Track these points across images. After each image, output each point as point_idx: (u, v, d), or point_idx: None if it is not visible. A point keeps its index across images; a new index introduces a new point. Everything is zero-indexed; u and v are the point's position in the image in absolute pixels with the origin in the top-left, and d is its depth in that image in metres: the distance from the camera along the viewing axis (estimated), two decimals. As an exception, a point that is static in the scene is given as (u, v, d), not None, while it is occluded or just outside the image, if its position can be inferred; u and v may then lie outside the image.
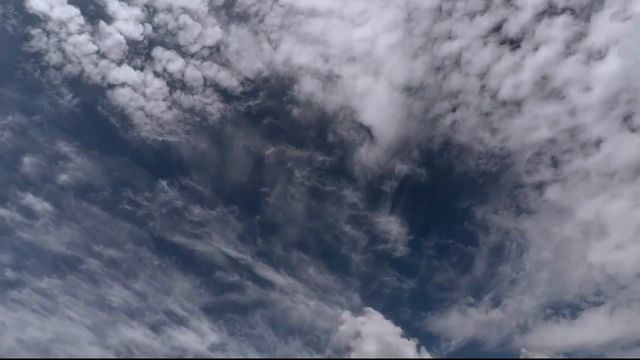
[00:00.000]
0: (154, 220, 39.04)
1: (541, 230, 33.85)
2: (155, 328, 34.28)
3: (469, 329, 35.29)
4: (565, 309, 32.37)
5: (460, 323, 35.24)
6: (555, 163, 33.55)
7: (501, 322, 34.55)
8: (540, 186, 33.80)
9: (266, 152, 40.69)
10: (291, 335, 36.16)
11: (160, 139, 39.70)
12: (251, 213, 40.19)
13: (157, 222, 39.04)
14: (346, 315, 36.61)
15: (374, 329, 35.83)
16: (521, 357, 31.34)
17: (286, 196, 40.36)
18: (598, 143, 32.58)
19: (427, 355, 34.34)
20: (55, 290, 34.63)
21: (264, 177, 40.97)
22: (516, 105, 34.68)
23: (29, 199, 37.21)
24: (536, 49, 34.46)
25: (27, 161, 37.53)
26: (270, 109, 40.59)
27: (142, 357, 32.34)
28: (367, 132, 39.55)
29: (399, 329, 35.50)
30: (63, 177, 38.33)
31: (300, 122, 40.60)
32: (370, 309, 36.61)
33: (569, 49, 33.35)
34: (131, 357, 32.29)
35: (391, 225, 39.24)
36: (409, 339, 34.93)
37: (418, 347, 34.78)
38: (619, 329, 30.86)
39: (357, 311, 36.78)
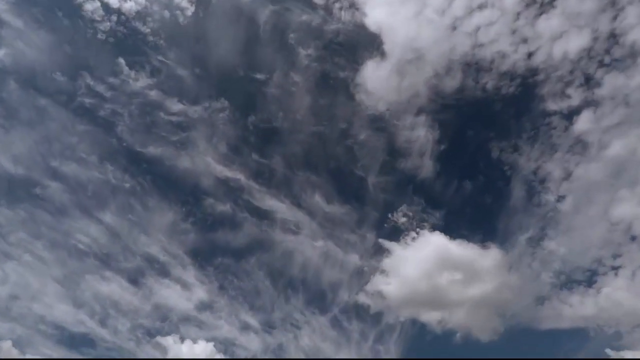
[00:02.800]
0: (122, 120, 30.41)
1: (565, 172, 27.56)
2: (133, 280, 28.16)
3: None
4: (582, 273, 27.07)
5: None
6: (588, 82, 26.79)
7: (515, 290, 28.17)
8: (569, 115, 27.14)
9: (262, 17, 29.65)
10: (292, 289, 29.59)
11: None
12: (244, 111, 30.96)
13: (126, 124, 30.48)
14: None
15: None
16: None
17: (288, 86, 30.20)
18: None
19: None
20: (7, 226, 27.95)
21: (259, 57, 30.53)
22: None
23: (-43, 88, 28.52)
24: None
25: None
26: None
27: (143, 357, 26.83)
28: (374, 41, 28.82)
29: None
30: (0, 53, 29.01)
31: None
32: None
33: None
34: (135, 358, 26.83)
35: (418, 131, 29.35)
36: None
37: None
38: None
39: (372, 254, 29.26)
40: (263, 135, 30.51)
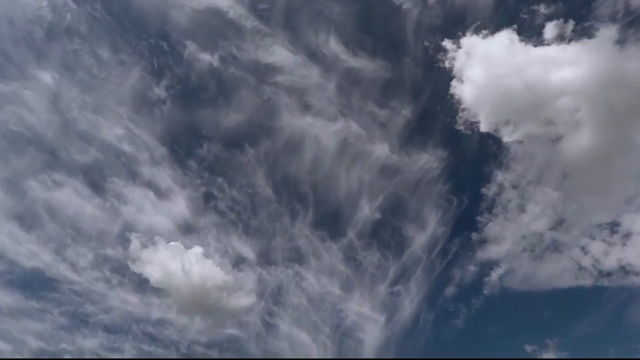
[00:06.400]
0: None
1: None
2: (91, 185, 17.56)
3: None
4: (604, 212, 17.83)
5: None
6: None
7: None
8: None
9: None
10: (300, 202, 18.73)
11: None
12: None
13: None
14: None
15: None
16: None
17: None
18: None
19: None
20: None
21: None
22: None
23: None
24: None
25: None
26: None
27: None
28: None
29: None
30: None
31: None
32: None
33: None
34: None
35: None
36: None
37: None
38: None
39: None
40: None
